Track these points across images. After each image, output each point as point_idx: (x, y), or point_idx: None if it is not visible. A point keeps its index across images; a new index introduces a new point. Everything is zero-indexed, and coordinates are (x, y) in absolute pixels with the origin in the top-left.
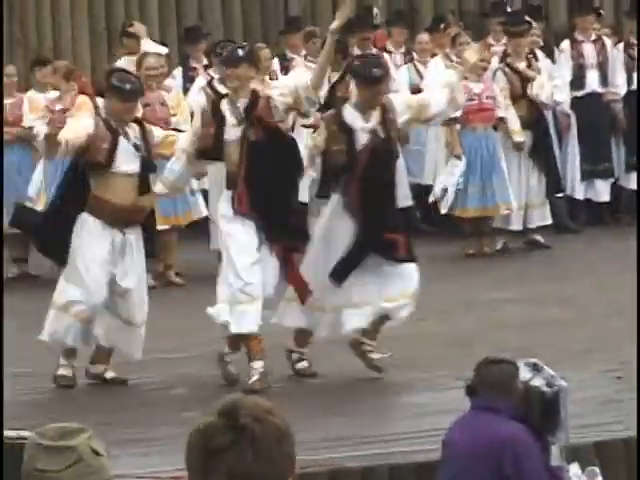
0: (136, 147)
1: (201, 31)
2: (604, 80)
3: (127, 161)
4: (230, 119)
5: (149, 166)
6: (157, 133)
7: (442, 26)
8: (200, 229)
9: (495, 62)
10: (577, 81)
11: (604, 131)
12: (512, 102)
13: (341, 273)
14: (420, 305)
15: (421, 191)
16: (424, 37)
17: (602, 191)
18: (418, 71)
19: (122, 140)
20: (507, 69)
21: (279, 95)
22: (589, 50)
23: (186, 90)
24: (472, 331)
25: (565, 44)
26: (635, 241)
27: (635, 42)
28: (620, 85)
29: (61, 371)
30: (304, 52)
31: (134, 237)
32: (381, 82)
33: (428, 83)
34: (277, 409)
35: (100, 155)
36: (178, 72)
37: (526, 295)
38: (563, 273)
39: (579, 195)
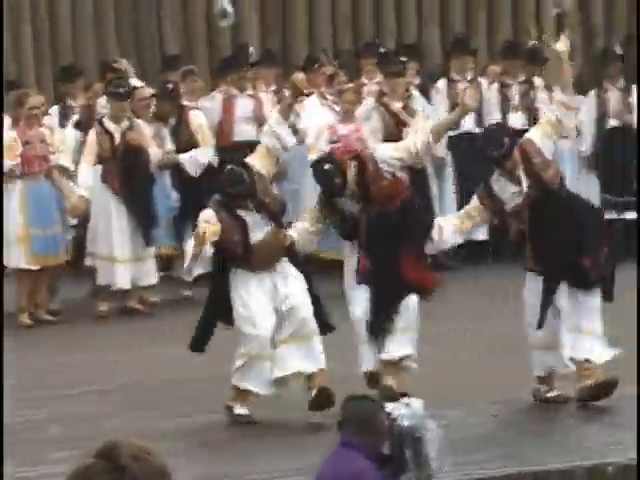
0: (259, 210)
1: (76, 69)
2: (479, 120)
3: (259, 229)
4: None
5: (279, 212)
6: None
7: (316, 65)
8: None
9: (371, 102)
10: None
11: (483, 170)
12: (387, 142)
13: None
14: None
15: None
16: (299, 76)
17: (480, 229)
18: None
19: (248, 218)
20: (382, 109)
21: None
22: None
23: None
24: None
25: (441, 83)
26: (513, 279)
27: (509, 82)
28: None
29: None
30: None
31: (281, 273)
32: None
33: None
34: (155, 449)
35: (237, 248)
36: (54, 110)
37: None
38: (439, 312)
39: None
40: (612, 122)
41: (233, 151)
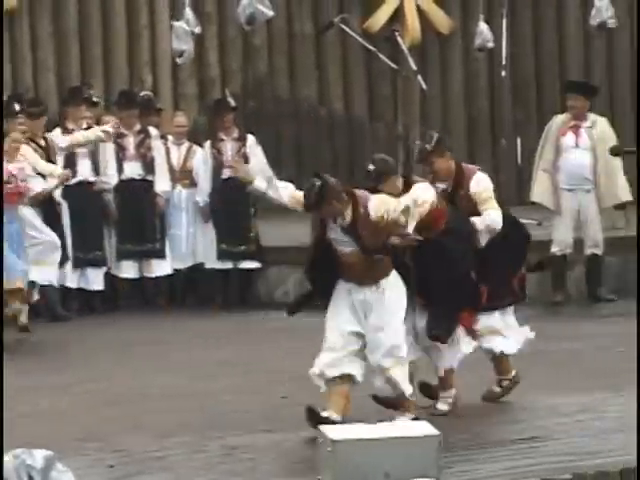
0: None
1: None
2: (96, 169)
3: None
4: None
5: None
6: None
7: None
8: None
9: None
10: (69, 169)
11: (95, 220)
12: None
13: None
14: None
15: None
16: None
17: (94, 280)
18: None
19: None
20: None
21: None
22: None
23: None
24: None
25: (56, 132)
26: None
27: (125, 132)
28: (111, 174)
29: None
30: None
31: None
32: None
33: None
34: None
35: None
36: None
37: (18, 385)
38: (55, 363)
39: (71, 284)
40: (227, 172)
41: None
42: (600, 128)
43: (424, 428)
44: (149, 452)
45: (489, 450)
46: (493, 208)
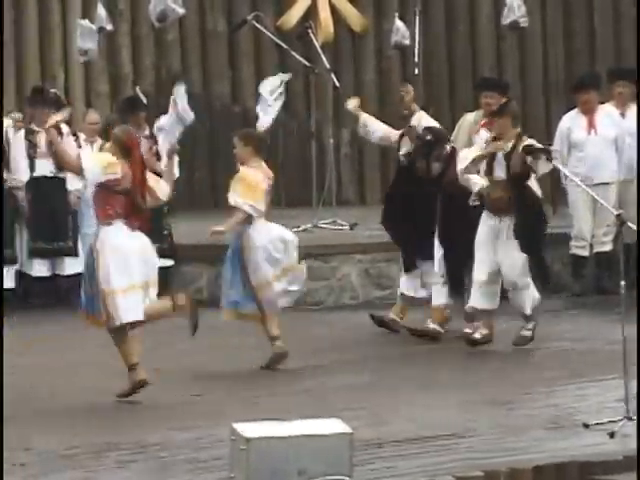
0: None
1: None
2: (7, 167)
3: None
4: None
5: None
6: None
7: None
8: None
9: None
10: None
11: (6, 218)
12: None
13: None
14: None
15: None
16: None
17: (7, 277)
18: None
19: None
20: None
21: None
22: None
23: None
24: None
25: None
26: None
27: (36, 129)
28: (22, 172)
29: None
30: None
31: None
32: None
33: None
34: None
35: None
36: None
37: None
38: None
39: None
40: None
41: None
42: None
43: (336, 426)
44: (58, 451)
45: (401, 447)
46: None
